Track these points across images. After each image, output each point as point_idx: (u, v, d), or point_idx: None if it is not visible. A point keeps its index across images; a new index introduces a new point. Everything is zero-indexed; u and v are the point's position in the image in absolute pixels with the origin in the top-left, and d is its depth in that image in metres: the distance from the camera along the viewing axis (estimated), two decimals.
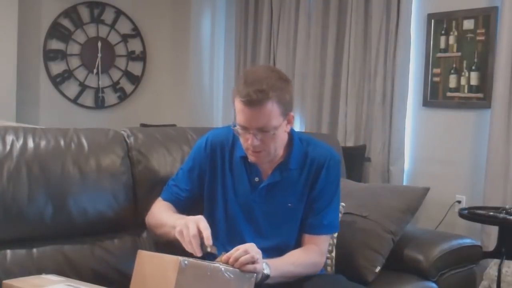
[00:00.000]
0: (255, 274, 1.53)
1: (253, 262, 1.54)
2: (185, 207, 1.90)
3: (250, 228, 1.83)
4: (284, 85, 1.70)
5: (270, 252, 1.74)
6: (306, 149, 1.84)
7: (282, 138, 1.76)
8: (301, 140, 1.86)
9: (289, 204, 1.82)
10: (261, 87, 1.64)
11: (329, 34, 4.26)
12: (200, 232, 1.58)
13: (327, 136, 3.20)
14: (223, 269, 1.47)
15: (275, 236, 1.82)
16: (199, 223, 1.60)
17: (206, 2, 5.44)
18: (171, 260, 1.45)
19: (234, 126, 1.73)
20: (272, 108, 1.66)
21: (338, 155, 1.91)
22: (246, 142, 1.72)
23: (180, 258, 1.42)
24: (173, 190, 1.92)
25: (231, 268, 1.50)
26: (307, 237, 1.83)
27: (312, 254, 1.80)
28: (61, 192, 1.85)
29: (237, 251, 1.54)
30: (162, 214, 1.84)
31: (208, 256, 1.60)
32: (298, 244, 1.84)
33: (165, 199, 1.93)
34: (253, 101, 1.64)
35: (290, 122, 1.77)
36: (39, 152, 1.86)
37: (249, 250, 1.54)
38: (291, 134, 1.85)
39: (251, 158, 1.77)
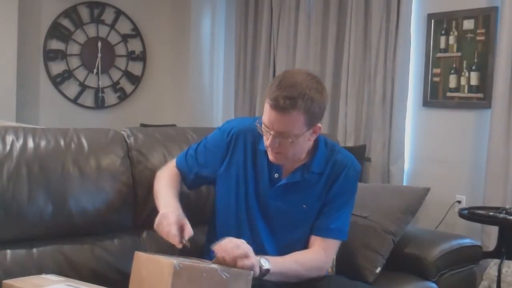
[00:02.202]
0: (252, 272, 1.52)
1: (246, 257, 1.53)
2: (189, 183, 1.94)
3: (264, 223, 1.83)
4: (317, 95, 1.66)
5: (282, 250, 1.76)
6: (330, 154, 1.84)
7: (303, 146, 1.75)
8: (326, 144, 1.86)
9: (304, 206, 1.81)
10: (292, 94, 1.62)
11: (329, 34, 4.26)
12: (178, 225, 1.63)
13: (327, 136, 3.20)
14: (218, 269, 1.47)
15: (288, 235, 1.82)
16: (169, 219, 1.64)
17: (206, 2, 5.44)
18: (165, 263, 1.45)
19: (260, 123, 1.73)
20: (298, 117, 1.64)
21: (360, 165, 1.90)
22: (267, 141, 1.73)
23: (174, 261, 1.41)
24: (189, 161, 1.92)
25: (226, 268, 1.49)
26: (313, 238, 1.82)
27: (317, 257, 1.79)
28: (61, 192, 1.85)
29: (230, 243, 1.54)
30: (162, 187, 1.85)
31: (206, 257, 1.60)
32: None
33: (177, 166, 1.94)
34: (279, 107, 1.63)
35: (316, 132, 1.75)
36: (39, 152, 1.86)
37: (241, 245, 1.54)
38: (317, 137, 1.84)
39: (270, 156, 1.77)
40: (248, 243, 1.58)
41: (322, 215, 1.82)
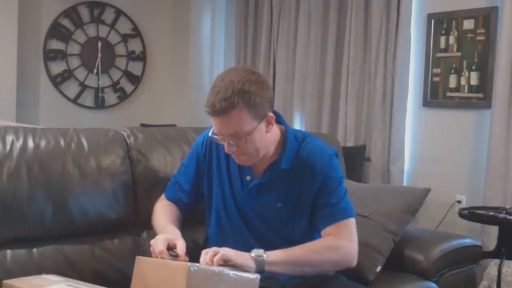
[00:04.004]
0: (259, 276, 1.52)
1: (216, 253, 1.53)
2: (188, 205, 1.93)
3: (246, 227, 1.82)
4: (253, 87, 1.64)
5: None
6: (299, 148, 1.80)
7: (262, 140, 1.72)
8: (296, 137, 1.82)
9: (279, 204, 1.79)
10: (226, 95, 1.61)
11: (329, 34, 4.26)
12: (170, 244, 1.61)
13: (327, 136, 3.20)
14: (229, 271, 1.47)
15: (271, 236, 1.81)
16: (161, 241, 1.61)
17: (206, 2, 5.44)
18: (178, 266, 1.44)
19: (214, 134, 1.73)
20: (240, 114, 1.63)
21: (332, 149, 1.86)
22: (225, 148, 1.72)
23: (189, 263, 1.41)
24: (175, 188, 1.93)
25: (236, 270, 1.50)
26: (322, 233, 1.77)
27: (326, 239, 1.73)
28: (61, 192, 1.85)
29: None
30: (158, 221, 1.85)
31: None
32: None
33: (168, 198, 1.94)
34: (218, 111, 1.62)
35: (270, 123, 1.73)
36: (39, 152, 1.86)
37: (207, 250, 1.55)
38: (286, 132, 1.82)
39: (236, 161, 1.77)
40: (234, 249, 1.58)
41: (317, 208, 1.77)
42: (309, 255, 1.68)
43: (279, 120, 1.84)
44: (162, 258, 1.57)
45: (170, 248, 1.61)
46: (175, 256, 1.58)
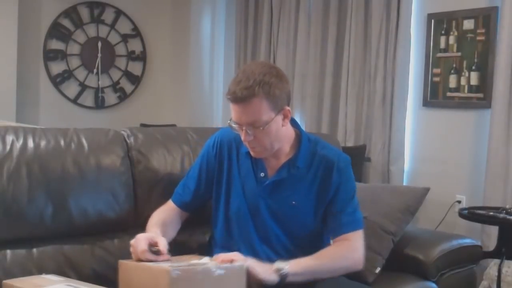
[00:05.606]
0: (245, 264, 1.54)
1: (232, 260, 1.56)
2: (193, 207, 1.94)
3: (256, 224, 1.83)
4: (273, 79, 1.70)
5: (277, 249, 1.78)
6: (314, 149, 1.85)
7: (278, 133, 1.76)
8: (309, 140, 1.87)
9: (293, 202, 1.82)
10: (247, 84, 1.67)
11: (329, 34, 4.26)
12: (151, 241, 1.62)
13: (327, 136, 3.20)
14: (213, 267, 1.47)
15: (278, 231, 1.82)
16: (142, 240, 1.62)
17: (206, 2, 5.44)
18: (160, 271, 1.44)
19: (233, 124, 1.76)
20: (260, 103, 1.68)
21: (347, 156, 1.91)
22: (242, 137, 1.76)
23: (170, 268, 1.40)
24: (182, 191, 1.94)
25: (220, 264, 1.50)
26: (336, 238, 1.82)
27: (341, 247, 1.79)
28: (61, 192, 1.85)
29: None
30: (149, 222, 1.86)
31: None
32: (307, 244, 1.83)
33: (173, 201, 1.95)
34: (239, 98, 1.68)
35: (287, 116, 1.77)
36: (39, 152, 1.86)
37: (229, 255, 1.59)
38: (300, 133, 1.87)
39: (251, 152, 1.80)
40: (238, 248, 1.64)
41: (330, 216, 1.82)
42: (328, 264, 1.76)
43: (294, 125, 1.88)
44: (145, 257, 1.57)
45: (152, 246, 1.62)
46: (157, 252, 1.59)
